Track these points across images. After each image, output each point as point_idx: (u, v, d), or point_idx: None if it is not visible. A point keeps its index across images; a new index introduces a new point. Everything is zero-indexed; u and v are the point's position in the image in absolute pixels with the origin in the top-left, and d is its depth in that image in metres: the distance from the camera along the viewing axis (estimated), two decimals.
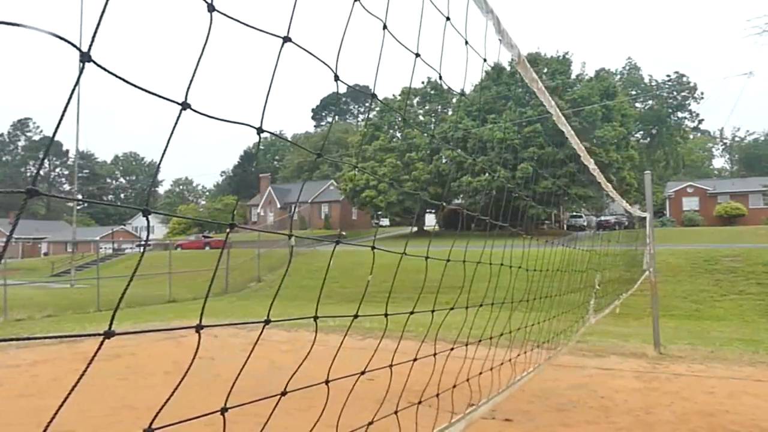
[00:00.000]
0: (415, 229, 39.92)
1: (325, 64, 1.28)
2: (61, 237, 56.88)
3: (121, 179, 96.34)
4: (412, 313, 1.78)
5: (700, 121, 59.43)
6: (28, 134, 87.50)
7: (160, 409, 0.96)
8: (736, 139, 72.00)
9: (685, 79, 56.96)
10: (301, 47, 1.18)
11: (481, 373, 2.54)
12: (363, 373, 1.62)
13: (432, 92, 41.50)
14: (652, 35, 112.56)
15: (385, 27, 1.46)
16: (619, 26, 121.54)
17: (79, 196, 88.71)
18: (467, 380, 2.37)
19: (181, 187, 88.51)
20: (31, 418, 4.43)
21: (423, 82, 41.70)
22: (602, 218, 43.27)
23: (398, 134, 41.72)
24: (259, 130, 1.15)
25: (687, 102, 57.36)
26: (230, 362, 6.44)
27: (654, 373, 5.89)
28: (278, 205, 54.33)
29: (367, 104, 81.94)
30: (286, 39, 1.14)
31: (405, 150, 38.02)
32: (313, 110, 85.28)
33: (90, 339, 8.62)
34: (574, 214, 43.42)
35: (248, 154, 79.04)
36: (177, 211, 56.05)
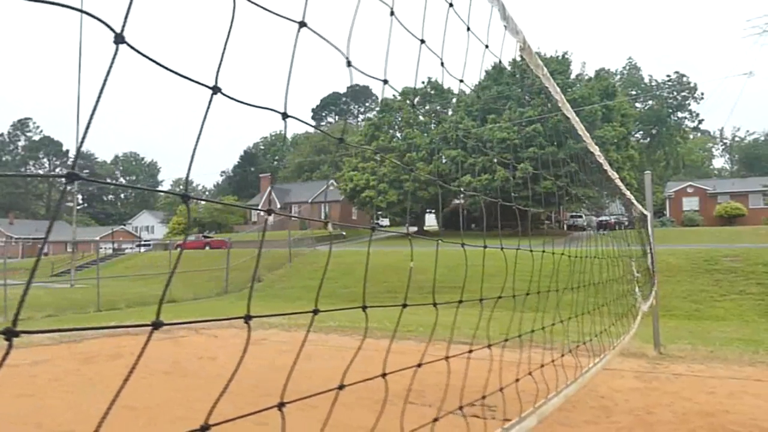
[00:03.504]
0: (414, 229, 39.93)
1: (338, 49, 1.29)
2: (61, 237, 56.90)
3: (121, 179, 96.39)
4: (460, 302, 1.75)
5: (700, 121, 59.46)
6: (28, 134, 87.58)
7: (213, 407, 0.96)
8: (736, 139, 72.05)
9: (685, 79, 56.98)
10: (315, 32, 1.19)
11: (548, 364, 2.52)
12: (419, 365, 1.63)
13: (432, 92, 41.50)
14: (652, 35, 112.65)
15: (392, 13, 1.47)
16: (619, 26, 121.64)
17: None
18: (516, 380, 2.37)
19: (180, 187, 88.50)
20: (31, 419, 4.43)
21: (423, 82, 41.70)
22: (602, 218, 43.21)
23: (398, 134, 41.73)
24: (284, 116, 1.16)
25: (687, 102, 57.37)
26: (232, 362, 6.43)
27: (654, 373, 5.89)
28: (278, 205, 54.37)
29: (366, 104, 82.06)
30: (302, 24, 1.14)
31: (405, 150, 38.02)
32: (313, 110, 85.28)
33: (90, 340, 8.62)
34: (574, 214, 43.43)
35: (248, 154, 79.03)
36: (177, 211, 56.07)
